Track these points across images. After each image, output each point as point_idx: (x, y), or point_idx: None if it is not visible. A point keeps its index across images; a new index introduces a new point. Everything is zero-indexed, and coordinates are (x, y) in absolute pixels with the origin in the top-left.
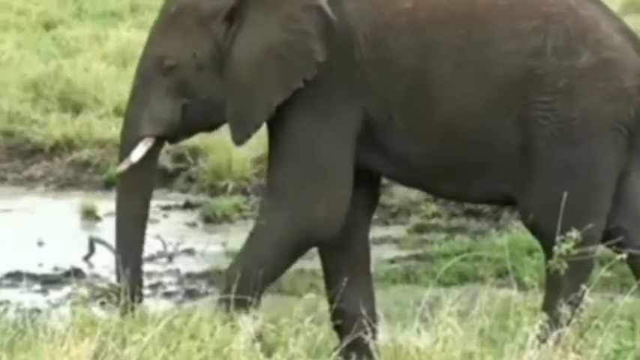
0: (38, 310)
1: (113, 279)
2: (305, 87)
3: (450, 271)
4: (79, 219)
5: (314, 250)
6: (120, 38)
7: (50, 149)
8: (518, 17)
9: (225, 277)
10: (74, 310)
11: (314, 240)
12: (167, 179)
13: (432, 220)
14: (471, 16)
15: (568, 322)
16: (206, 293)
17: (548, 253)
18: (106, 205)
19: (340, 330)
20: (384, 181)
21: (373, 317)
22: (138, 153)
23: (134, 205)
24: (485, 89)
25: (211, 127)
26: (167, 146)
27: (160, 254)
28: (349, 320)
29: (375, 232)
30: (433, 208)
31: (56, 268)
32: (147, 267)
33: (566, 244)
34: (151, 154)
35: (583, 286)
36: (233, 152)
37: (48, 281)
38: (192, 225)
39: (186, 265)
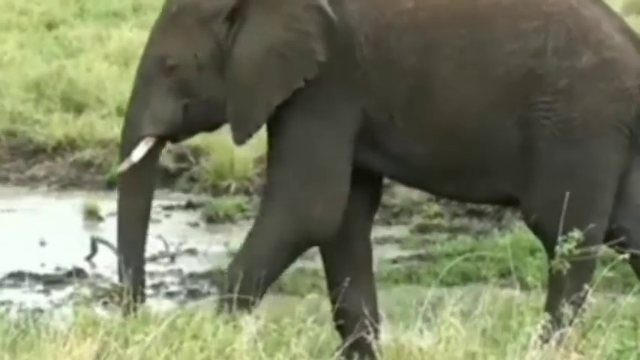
0: (40, 310)
1: (115, 279)
2: (305, 87)
3: (453, 271)
4: (81, 219)
5: (315, 250)
6: (122, 38)
7: (53, 149)
8: (519, 17)
9: (225, 277)
10: (76, 310)
11: (312, 240)
12: (169, 179)
13: (435, 220)
14: (472, 16)
15: (570, 322)
16: (208, 293)
17: (551, 253)
18: (109, 205)
19: (342, 330)
20: (387, 181)
21: (375, 317)
22: (139, 153)
23: (136, 205)
24: (487, 89)
25: (212, 127)
26: (169, 146)
27: (163, 254)
28: (351, 320)
29: (378, 232)
30: (435, 208)
31: (58, 268)
32: (149, 267)
33: (569, 244)
34: (152, 154)
35: (585, 286)
36: (235, 152)
37: (50, 281)
38: (195, 225)
39: (188, 265)
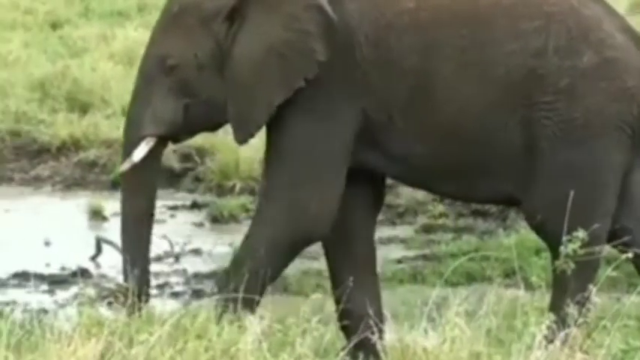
0: (45, 311)
1: (120, 279)
2: (306, 87)
3: (458, 271)
4: (86, 219)
5: (320, 251)
6: (127, 38)
7: (57, 149)
8: (520, 17)
9: (224, 277)
10: (81, 311)
11: (306, 238)
12: (174, 179)
13: (439, 220)
14: (473, 16)
15: (576, 322)
16: (213, 293)
17: (554, 254)
18: (113, 205)
19: (347, 330)
20: (391, 181)
21: (380, 317)
22: (140, 152)
23: (139, 205)
24: (488, 89)
25: (214, 127)
26: (174, 146)
27: (167, 254)
28: (356, 320)
29: (382, 232)
30: (440, 208)
31: (63, 268)
32: (154, 267)
33: (573, 244)
34: (154, 154)
35: (590, 286)
36: (240, 152)
37: (55, 281)
38: (200, 225)
39: (193, 265)
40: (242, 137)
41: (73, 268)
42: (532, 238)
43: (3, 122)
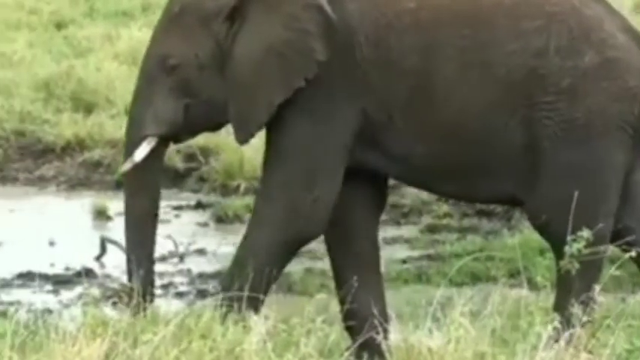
0: (50, 311)
1: (125, 279)
2: (306, 86)
3: (462, 271)
4: (90, 219)
5: (324, 250)
6: (132, 38)
7: (62, 149)
8: (521, 17)
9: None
10: (86, 311)
11: (301, 238)
12: (178, 179)
13: (444, 220)
14: (474, 16)
15: (580, 322)
16: (217, 293)
17: (557, 253)
18: (118, 205)
19: (352, 330)
20: (396, 181)
21: (384, 317)
22: (141, 153)
23: (141, 205)
24: (489, 89)
25: (215, 127)
26: (179, 146)
27: (172, 254)
28: (361, 321)
29: (387, 232)
30: (445, 208)
31: (68, 268)
32: (158, 267)
33: (578, 243)
34: (156, 154)
35: (594, 286)
36: (245, 152)
37: (59, 281)
38: (204, 225)
39: (197, 265)
40: (243, 137)
41: (78, 268)
42: (536, 238)
43: (8, 122)
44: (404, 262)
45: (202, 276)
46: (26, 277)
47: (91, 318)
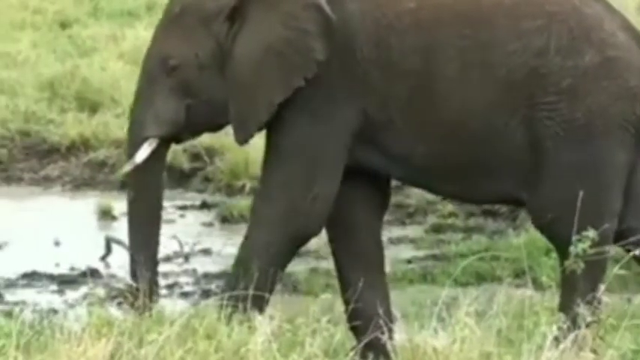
0: (55, 311)
1: (130, 279)
2: (306, 86)
3: (467, 271)
4: (95, 219)
5: (328, 250)
6: (136, 37)
7: (66, 149)
8: (522, 17)
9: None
10: (91, 311)
11: (299, 238)
12: (183, 179)
13: (449, 220)
14: (475, 16)
15: (585, 322)
16: (222, 293)
17: (561, 253)
18: (123, 204)
19: (357, 330)
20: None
21: (389, 317)
22: (142, 154)
23: (144, 205)
24: (490, 89)
25: (216, 127)
26: (184, 145)
27: (177, 254)
28: (366, 320)
29: (392, 232)
30: (450, 207)
31: (73, 268)
32: (163, 267)
33: (583, 243)
34: (157, 155)
35: (599, 286)
36: (250, 152)
37: (64, 281)
38: (209, 225)
39: (202, 265)
40: (242, 137)
41: (83, 268)
42: (542, 238)
43: (12, 122)
44: (409, 262)
45: (207, 276)
46: (31, 277)
47: (96, 318)
